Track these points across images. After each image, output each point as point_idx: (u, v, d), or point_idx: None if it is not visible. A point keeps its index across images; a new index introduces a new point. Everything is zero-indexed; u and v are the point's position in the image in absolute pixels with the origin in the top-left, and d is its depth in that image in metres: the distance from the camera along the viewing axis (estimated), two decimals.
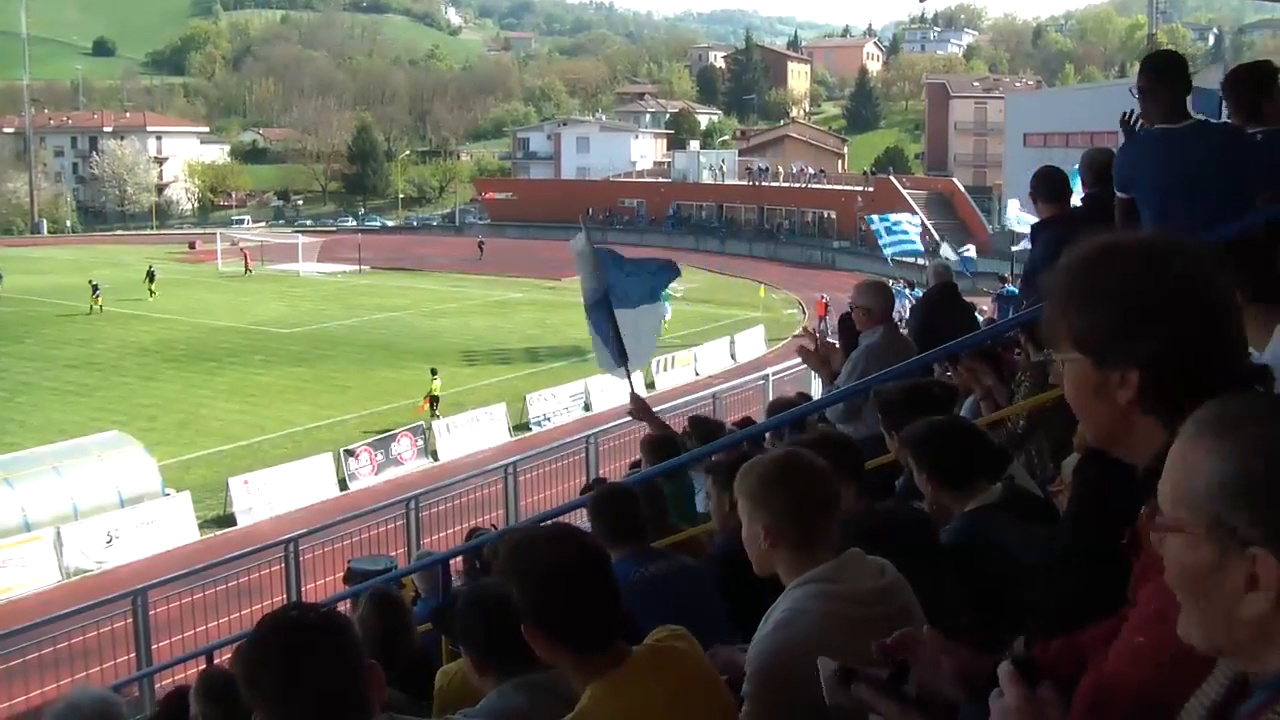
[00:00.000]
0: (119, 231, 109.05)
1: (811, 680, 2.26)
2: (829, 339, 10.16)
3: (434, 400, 33.06)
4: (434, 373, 34.33)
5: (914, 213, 61.58)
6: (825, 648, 2.32)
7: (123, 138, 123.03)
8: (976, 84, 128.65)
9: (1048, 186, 6.96)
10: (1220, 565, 1.39)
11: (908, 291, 36.76)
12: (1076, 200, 7.63)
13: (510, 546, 2.93)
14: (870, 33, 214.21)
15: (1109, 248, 1.99)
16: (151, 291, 57.00)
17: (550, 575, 2.73)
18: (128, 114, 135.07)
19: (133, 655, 13.59)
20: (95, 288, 53.18)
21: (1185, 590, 1.46)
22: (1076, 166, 7.62)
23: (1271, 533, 1.34)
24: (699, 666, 2.90)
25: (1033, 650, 2.42)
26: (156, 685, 13.09)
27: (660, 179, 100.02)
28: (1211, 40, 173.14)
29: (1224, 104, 5.74)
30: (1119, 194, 5.30)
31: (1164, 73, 5.23)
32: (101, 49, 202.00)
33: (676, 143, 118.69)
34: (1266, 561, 1.34)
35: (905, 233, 47.67)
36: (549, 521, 7.44)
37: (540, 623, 2.73)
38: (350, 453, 28.28)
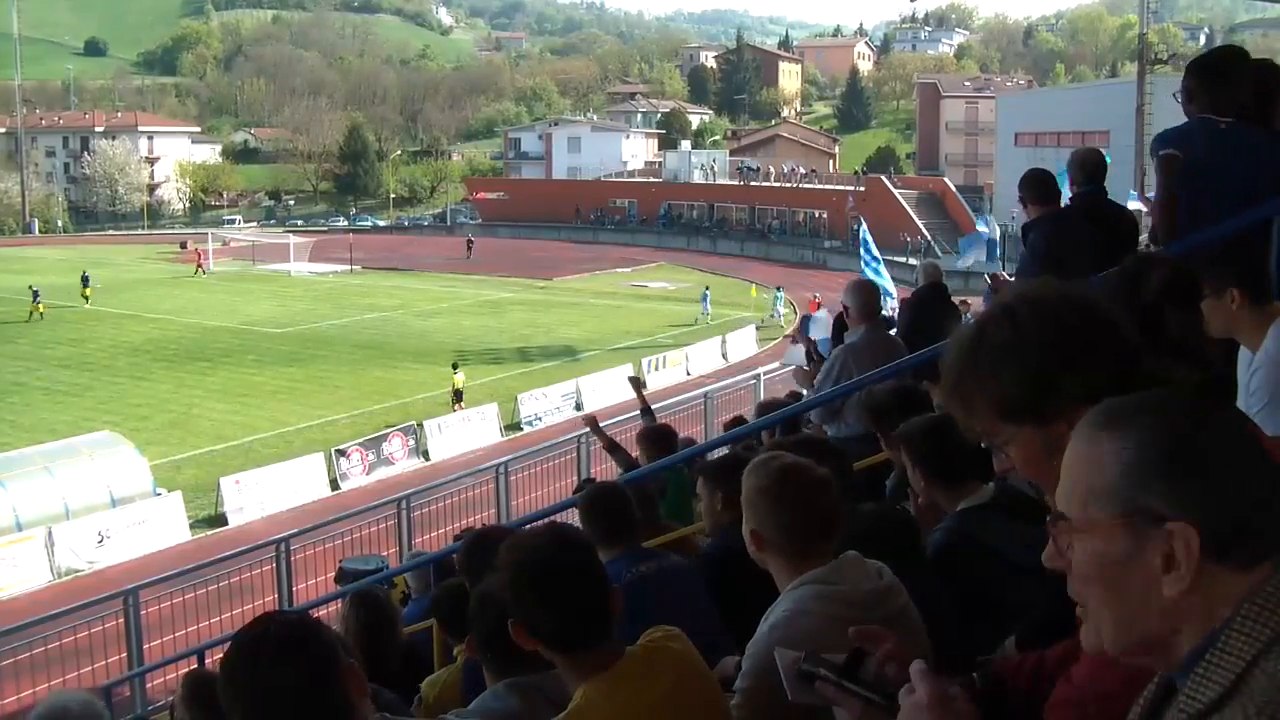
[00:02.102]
0: (110, 231, 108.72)
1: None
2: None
3: (458, 394, 33.25)
4: (455, 366, 34.55)
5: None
6: (823, 649, 2.32)
7: (114, 138, 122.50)
8: (967, 84, 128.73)
9: (1036, 189, 6.98)
10: (1135, 552, 1.41)
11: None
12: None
13: (502, 546, 2.94)
14: (861, 32, 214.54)
15: (977, 326, 2.03)
16: (86, 297, 54.90)
17: (532, 573, 2.74)
18: (119, 114, 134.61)
19: (124, 655, 13.58)
20: (35, 294, 51.08)
21: (1098, 590, 1.47)
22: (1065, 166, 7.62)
23: (1187, 503, 1.37)
24: (693, 667, 2.89)
25: (996, 664, 2.45)
26: (148, 685, 13.10)
27: (651, 179, 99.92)
28: (1203, 40, 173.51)
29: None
30: (1166, 150, 5.24)
31: (1213, 76, 5.24)
32: (93, 49, 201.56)
33: (668, 142, 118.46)
34: (1185, 531, 1.37)
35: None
36: (543, 521, 7.45)
37: (524, 620, 2.74)
38: (341, 452, 28.26)
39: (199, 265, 69.15)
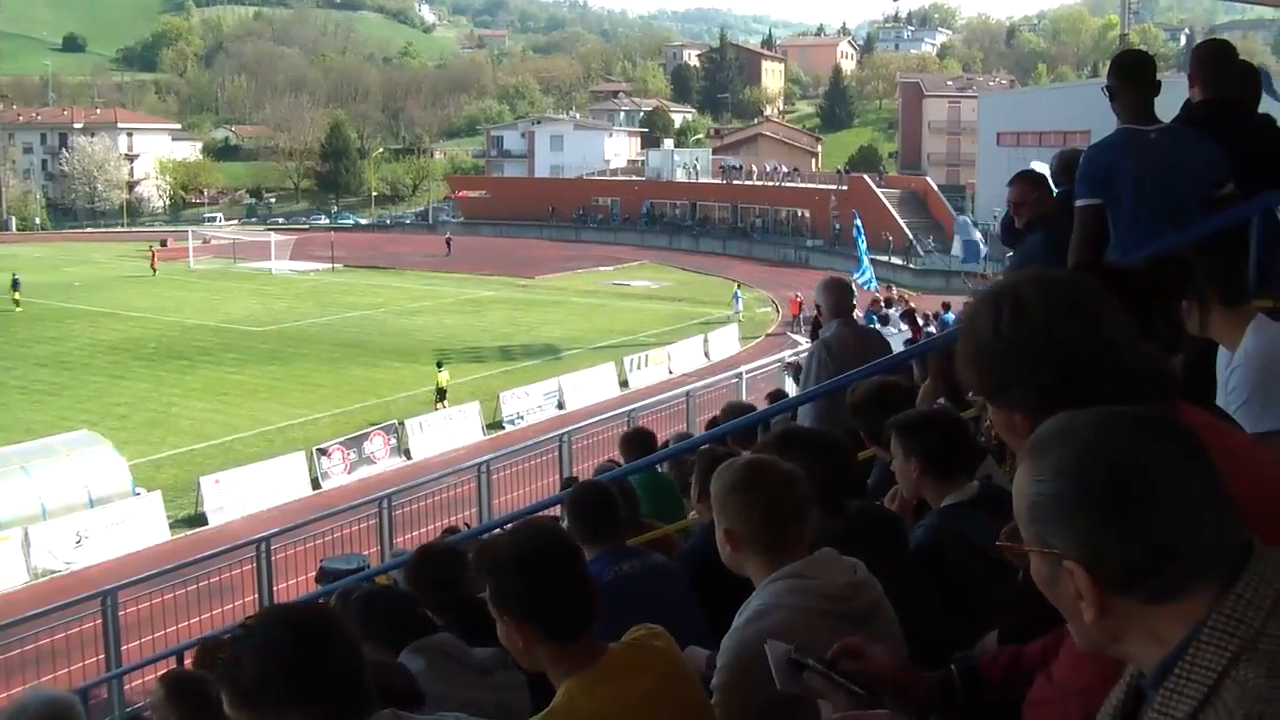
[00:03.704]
0: (89, 229, 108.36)
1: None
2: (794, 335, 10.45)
3: (441, 393, 33.25)
4: (440, 365, 34.61)
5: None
6: (798, 641, 2.34)
7: (93, 134, 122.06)
8: (950, 83, 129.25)
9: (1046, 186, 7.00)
10: (1053, 580, 1.48)
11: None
12: None
13: (485, 542, 2.95)
14: (844, 32, 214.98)
15: (974, 315, 2.06)
16: (16, 302, 53.25)
17: (515, 559, 2.73)
18: (98, 110, 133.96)
19: (102, 656, 13.48)
20: None
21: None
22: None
23: (1079, 547, 1.42)
24: (676, 665, 2.88)
25: (973, 659, 2.47)
26: (126, 686, 13.01)
27: (634, 177, 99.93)
28: (1183, 40, 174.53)
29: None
30: (1085, 200, 5.18)
31: (1131, 74, 5.21)
32: (72, 45, 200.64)
33: (650, 141, 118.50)
34: (1079, 574, 1.42)
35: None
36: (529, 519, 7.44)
37: (513, 606, 2.71)
38: (323, 451, 28.16)
39: (153, 264, 67.85)
